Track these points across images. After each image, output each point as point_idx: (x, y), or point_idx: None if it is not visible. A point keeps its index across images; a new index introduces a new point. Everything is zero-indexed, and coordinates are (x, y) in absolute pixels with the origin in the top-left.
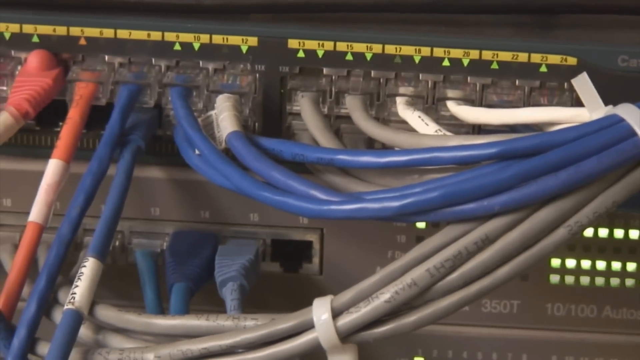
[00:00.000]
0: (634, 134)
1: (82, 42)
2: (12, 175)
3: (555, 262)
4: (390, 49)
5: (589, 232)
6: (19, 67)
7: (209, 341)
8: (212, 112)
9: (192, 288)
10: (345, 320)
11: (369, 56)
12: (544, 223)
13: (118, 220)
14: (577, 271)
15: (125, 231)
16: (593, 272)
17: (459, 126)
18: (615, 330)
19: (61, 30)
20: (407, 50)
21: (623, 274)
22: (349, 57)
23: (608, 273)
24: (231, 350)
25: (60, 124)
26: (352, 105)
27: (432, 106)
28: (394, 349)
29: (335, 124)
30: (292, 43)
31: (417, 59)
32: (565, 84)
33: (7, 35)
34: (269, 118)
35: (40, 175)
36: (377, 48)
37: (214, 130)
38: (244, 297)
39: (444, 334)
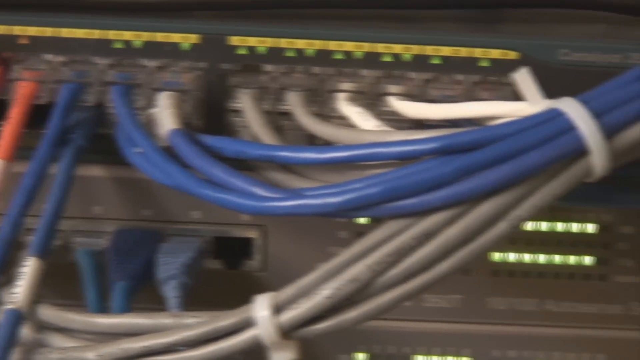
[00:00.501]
0: (574, 127)
1: (24, 40)
2: None
3: (497, 256)
4: (331, 45)
5: (530, 226)
6: None
7: (150, 339)
8: (154, 110)
9: (134, 286)
10: (286, 316)
11: (310, 52)
12: (485, 217)
13: (60, 219)
14: (519, 265)
15: (68, 230)
16: (535, 265)
17: (400, 121)
18: (557, 323)
19: (3, 29)
20: (348, 46)
21: (564, 267)
22: (291, 53)
23: (549, 267)
24: (172, 348)
25: (2, 123)
26: (294, 102)
27: (373, 102)
28: (335, 344)
29: (276, 121)
30: (234, 40)
31: (358, 54)
32: (507, 78)
33: None
34: (210, 115)
35: None
36: (318, 44)
37: (155, 128)
38: (186, 295)
39: (386, 329)
